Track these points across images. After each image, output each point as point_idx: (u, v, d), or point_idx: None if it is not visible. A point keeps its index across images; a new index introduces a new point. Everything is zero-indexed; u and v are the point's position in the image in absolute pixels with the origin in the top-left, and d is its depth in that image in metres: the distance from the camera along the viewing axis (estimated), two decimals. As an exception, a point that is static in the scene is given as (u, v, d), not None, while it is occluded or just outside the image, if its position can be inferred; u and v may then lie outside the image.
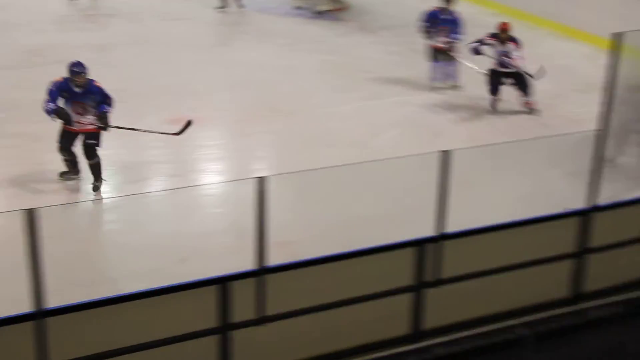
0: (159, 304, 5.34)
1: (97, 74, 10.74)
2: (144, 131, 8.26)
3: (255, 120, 10.14)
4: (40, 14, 14.40)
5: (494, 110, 10.66)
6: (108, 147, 8.47)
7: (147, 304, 5.31)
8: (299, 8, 15.64)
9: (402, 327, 6.09)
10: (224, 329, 5.50)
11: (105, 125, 7.74)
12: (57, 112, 7.61)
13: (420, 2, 12.97)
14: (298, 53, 13.07)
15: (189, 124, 8.18)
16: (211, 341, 5.53)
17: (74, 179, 7.98)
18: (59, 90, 7.69)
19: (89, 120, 7.79)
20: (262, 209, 5.32)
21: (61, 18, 14.48)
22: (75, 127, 7.79)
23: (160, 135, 8.35)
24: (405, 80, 11.77)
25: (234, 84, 11.45)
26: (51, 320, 4.91)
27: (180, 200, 7.47)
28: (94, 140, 7.81)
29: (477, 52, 10.54)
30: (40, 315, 4.88)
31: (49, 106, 7.59)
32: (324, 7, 15.49)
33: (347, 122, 10.28)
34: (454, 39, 11.13)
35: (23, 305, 4.92)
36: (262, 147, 9.68)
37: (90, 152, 7.82)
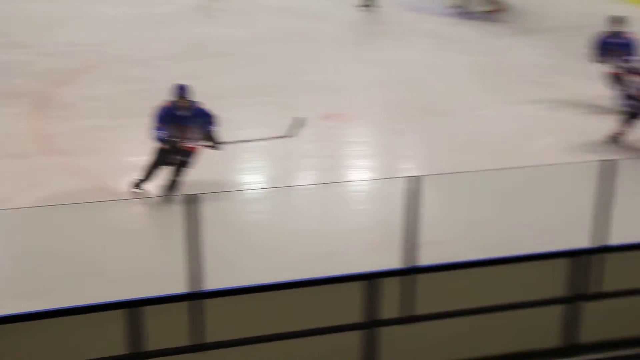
0: (307, 295, 5.41)
1: (254, 68, 11.06)
2: (255, 141, 8.28)
3: (404, 119, 10.11)
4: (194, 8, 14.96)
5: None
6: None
7: (295, 294, 5.40)
8: (453, 7, 15.46)
9: (553, 339, 5.91)
10: (371, 325, 5.53)
11: (215, 144, 7.71)
12: (164, 139, 7.56)
13: (578, 4, 12.52)
14: (449, 53, 12.94)
15: (299, 121, 8.06)
16: (356, 336, 5.56)
17: (141, 191, 7.82)
18: (164, 114, 7.62)
19: (192, 142, 7.72)
20: (413, 208, 5.29)
21: (211, 12, 14.97)
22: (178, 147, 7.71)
23: (299, 133, 8.37)
24: (561, 85, 11.41)
25: (382, 82, 11.46)
26: (208, 302, 5.09)
27: (328, 195, 7.55)
28: (189, 159, 7.76)
29: None
30: (197, 297, 5.06)
31: (157, 133, 7.57)
32: (481, 8, 15.24)
33: (499, 125, 10.06)
34: (630, 61, 10.26)
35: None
36: (411, 147, 9.64)
37: (181, 170, 7.77)
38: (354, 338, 5.58)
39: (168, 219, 6.80)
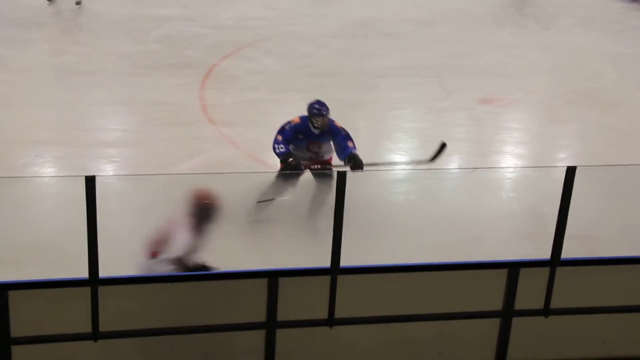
0: (447, 278, 5.36)
1: (417, 49, 10.98)
2: (392, 165, 7.94)
3: (568, 108, 9.72)
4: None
5: None
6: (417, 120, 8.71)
7: (434, 277, 5.36)
8: None
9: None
10: (506, 314, 5.40)
11: (359, 167, 6.73)
12: (285, 158, 6.68)
13: None
14: (630, 42, 12.27)
15: (443, 147, 7.14)
16: (494, 324, 5.46)
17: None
18: (295, 132, 6.85)
19: (321, 159, 7.00)
20: (566, 199, 5.09)
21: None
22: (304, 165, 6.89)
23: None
24: None
25: (551, 69, 11.07)
26: (341, 278, 5.15)
27: (477, 180, 7.42)
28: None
29: None
30: (330, 272, 5.13)
31: (279, 149, 6.73)
32: None
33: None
34: None
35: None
36: (570, 136, 9.26)
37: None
38: (489, 325, 5.49)
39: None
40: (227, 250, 5.86)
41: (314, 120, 6.80)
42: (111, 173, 7.71)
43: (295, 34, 11.99)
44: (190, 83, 9.88)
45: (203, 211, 5.48)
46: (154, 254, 5.44)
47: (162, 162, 7.94)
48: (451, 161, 8.29)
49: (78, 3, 12.33)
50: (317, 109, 6.80)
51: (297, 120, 6.92)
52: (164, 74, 10.11)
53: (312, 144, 6.89)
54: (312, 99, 6.93)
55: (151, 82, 9.82)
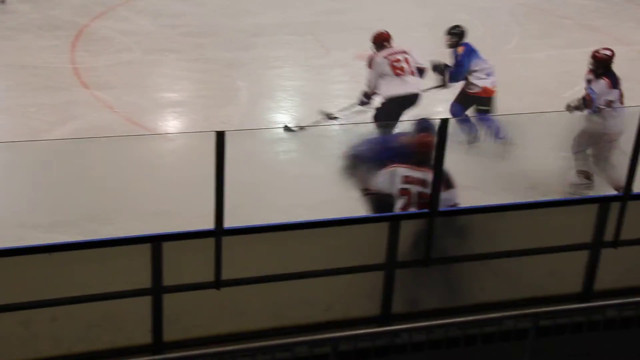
0: (330, 234, 5.42)
1: (293, 5, 10.84)
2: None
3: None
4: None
5: None
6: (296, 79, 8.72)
7: (317, 234, 5.41)
8: None
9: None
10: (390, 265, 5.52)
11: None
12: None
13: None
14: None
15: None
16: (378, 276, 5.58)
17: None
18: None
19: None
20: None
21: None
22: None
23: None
24: (609, 30, 11.08)
25: (425, 24, 11.26)
26: (226, 240, 5.12)
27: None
28: None
29: None
30: (216, 234, 5.10)
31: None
32: None
33: (540, 70, 9.85)
34: None
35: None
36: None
37: None
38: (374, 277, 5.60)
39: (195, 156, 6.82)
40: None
41: None
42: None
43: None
44: (60, 45, 9.51)
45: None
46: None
47: (34, 128, 7.64)
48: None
49: None
50: None
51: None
52: (31, 36, 9.67)
53: None
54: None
55: (17, 45, 9.39)
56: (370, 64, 7.58)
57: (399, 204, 5.68)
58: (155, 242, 5.04)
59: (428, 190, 5.38)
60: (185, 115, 8.51)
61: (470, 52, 7.86)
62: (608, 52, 6.98)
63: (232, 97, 8.79)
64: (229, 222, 5.08)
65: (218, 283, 5.17)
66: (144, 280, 4.97)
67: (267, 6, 11.42)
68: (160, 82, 9.18)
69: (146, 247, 5.06)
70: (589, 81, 7.02)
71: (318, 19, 11.08)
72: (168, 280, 5.03)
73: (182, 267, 5.18)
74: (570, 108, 7.05)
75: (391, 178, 5.65)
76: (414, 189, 5.62)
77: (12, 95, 8.31)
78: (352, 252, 5.47)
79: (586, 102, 6.94)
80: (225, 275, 5.15)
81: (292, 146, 7.75)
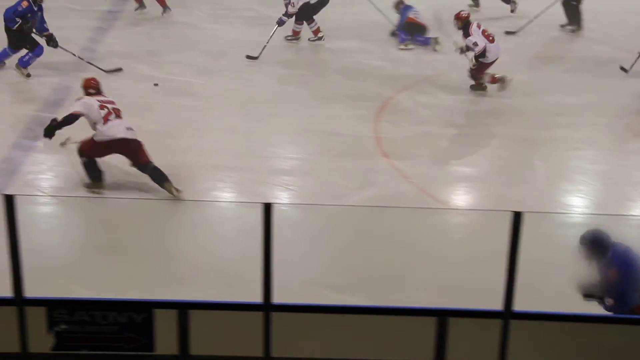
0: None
1: (603, 86, 10.42)
2: None
3: None
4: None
5: None
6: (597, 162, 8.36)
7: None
8: None
9: None
10: None
11: None
12: None
13: None
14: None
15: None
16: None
17: None
18: None
19: None
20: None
21: None
22: None
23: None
24: None
25: None
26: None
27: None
28: None
29: None
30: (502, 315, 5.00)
31: None
32: None
33: None
34: None
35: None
36: None
37: None
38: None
39: (485, 233, 6.79)
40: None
41: None
42: (286, 201, 7.94)
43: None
44: (365, 115, 10.00)
45: None
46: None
47: (334, 193, 8.08)
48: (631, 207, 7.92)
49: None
50: None
51: None
52: (341, 105, 10.30)
53: None
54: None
55: (328, 113, 10.03)
56: None
57: None
58: (441, 316, 5.07)
59: None
60: (478, 190, 8.53)
61: None
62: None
63: (528, 176, 8.65)
64: (518, 305, 4.98)
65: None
66: (426, 353, 5.00)
67: (574, 86, 11.13)
68: (457, 155, 9.31)
69: (431, 321, 5.09)
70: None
71: (629, 100, 10.56)
72: (451, 356, 5.01)
73: (466, 344, 5.14)
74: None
75: None
76: None
77: (318, 159, 8.88)
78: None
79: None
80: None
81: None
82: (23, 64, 10.54)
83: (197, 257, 6.68)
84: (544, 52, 12.39)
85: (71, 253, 6.66)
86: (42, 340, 4.96)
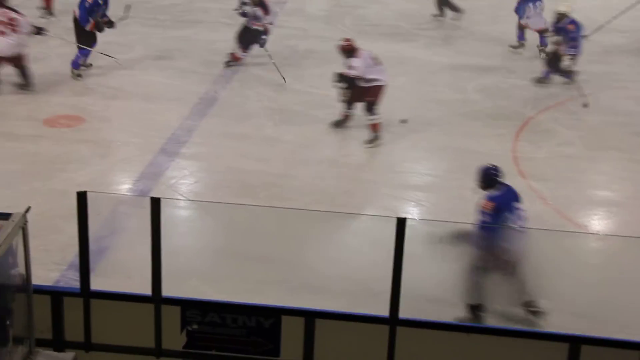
0: None
1: None
2: None
3: None
4: None
5: None
6: None
7: None
8: None
9: None
10: None
11: None
12: None
13: None
14: None
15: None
16: None
17: None
18: None
19: None
20: None
21: None
22: None
23: None
24: None
25: None
26: None
27: None
28: None
29: None
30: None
31: None
32: None
33: None
34: None
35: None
36: None
37: None
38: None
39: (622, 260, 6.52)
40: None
41: None
42: (417, 217, 7.92)
43: (622, 91, 11.39)
44: (505, 134, 9.84)
45: None
46: None
47: (467, 211, 7.96)
48: None
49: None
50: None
51: None
52: (480, 124, 10.18)
53: None
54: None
55: (466, 131, 9.94)
56: None
57: None
58: (574, 342, 4.94)
59: None
60: (618, 216, 8.20)
61: None
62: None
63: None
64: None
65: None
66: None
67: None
68: (598, 179, 9.00)
69: (564, 347, 4.97)
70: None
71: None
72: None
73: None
74: None
75: None
76: None
77: (454, 176, 8.80)
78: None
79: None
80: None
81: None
82: (75, 66, 11.00)
83: (329, 267, 6.77)
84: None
85: (206, 256, 6.90)
86: (175, 338, 5.19)
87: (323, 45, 12.27)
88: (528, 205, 8.07)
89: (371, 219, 7.55)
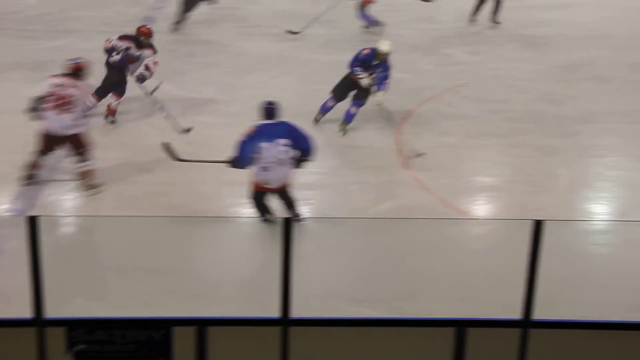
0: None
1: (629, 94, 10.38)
2: None
3: None
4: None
5: None
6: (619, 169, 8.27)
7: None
8: None
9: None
10: None
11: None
12: None
13: None
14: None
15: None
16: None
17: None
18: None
19: None
20: None
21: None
22: None
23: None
24: None
25: None
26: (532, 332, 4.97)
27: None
28: None
29: None
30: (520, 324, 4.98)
31: None
32: None
33: None
34: None
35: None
36: None
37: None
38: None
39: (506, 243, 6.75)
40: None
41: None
42: (306, 215, 7.96)
43: (496, 79, 11.76)
44: (387, 127, 9.99)
45: None
46: None
47: (354, 206, 8.09)
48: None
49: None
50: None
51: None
52: (361, 118, 10.29)
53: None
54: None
55: (349, 126, 10.03)
56: None
57: None
58: (460, 326, 5.06)
59: None
60: (499, 200, 8.49)
61: None
62: None
63: (550, 185, 8.60)
64: (538, 314, 4.95)
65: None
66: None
67: (598, 94, 11.04)
68: (478, 165, 9.27)
69: (449, 331, 5.09)
70: None
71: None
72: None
73: (484, 354, 5.12)
74: None
75: None
76: None
77: (339, 172, 8.89)
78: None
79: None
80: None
81: (612, 239, 7.36)
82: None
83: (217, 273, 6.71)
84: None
85: (93, 273, 6.71)
86: (61, 361, 5.02)
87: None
88: (413, 197, 8.30)
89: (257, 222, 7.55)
